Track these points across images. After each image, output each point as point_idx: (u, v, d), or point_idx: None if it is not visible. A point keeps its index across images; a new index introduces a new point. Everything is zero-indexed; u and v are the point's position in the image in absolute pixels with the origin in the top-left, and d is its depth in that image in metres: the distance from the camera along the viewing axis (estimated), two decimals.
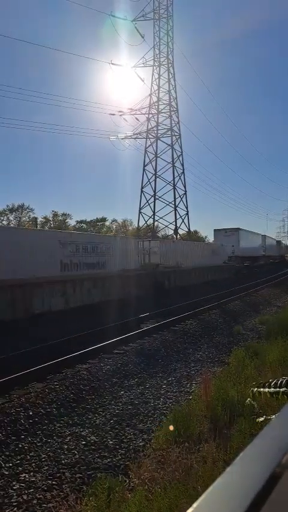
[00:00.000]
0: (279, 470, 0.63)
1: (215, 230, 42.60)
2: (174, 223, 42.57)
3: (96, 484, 3.86)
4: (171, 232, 44.98)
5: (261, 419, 3.26)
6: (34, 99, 69.38)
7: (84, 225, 63.76)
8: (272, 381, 3.11)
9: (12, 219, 65.47)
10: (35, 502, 3.91)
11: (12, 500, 3.93)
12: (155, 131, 44.29)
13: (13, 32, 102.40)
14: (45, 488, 4.12)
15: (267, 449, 0.70)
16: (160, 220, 44.70)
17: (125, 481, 4.09)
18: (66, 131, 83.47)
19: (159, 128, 44.34)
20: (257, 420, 3.39)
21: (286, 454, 0.67)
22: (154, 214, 43.93)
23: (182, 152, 44.14)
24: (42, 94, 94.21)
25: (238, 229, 41.18)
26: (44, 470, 4.47)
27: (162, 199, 43.63)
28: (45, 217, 67.42)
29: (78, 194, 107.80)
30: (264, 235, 55.03)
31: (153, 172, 44.27)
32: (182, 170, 43.95)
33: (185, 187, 44.00)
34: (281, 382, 3.03)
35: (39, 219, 62.14)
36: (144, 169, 44.37)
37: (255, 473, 0.61)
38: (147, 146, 44.31)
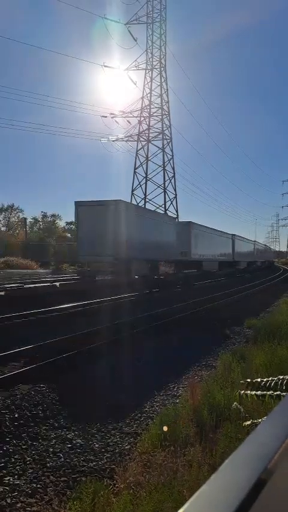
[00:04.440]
0: (264, 476, 0.63)
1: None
2: None
3: (81, 488, 3.83)
4: None
5: (248, 422, 3.28)
6: (27, 99, 69.28)
7: (73, 226, 63.63)
8: (261, 382, 3.13)
9: (1, 219, 64.86)
10: (19, 505, 3.86)
11: None
12: (147, 134, 44.43)
13: (6, 31, 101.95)
14: (30, 491, 4.07)
15: (253, 455, 0.70)
16: None
17: (110, 484, 4.06)
18: (56, 131, 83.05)
19: (151, 131, 44.52)
20: (243, 424, 3.41)
21: (272, 460, 0.67)
22: None
23: (172, 155, 44.36)
24: (35, 94, 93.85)
25: None
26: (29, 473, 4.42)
27: (152, 202, 43.70)
28: (34, 218, 66.95)
29: (70, 195, 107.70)
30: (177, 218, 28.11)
31: (144, 175, 44.38)
32: (172, 174, 44.15)
33: (175, 190, 44.16)
34: (269, 384, 3.05)
35: (29, 220, 61.71)
36: (135, 172, 44.45)
37: (241, 480, 0.61)
38: (138, 149, 44.44)
